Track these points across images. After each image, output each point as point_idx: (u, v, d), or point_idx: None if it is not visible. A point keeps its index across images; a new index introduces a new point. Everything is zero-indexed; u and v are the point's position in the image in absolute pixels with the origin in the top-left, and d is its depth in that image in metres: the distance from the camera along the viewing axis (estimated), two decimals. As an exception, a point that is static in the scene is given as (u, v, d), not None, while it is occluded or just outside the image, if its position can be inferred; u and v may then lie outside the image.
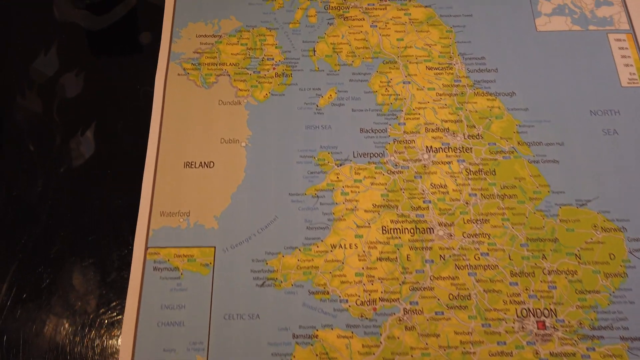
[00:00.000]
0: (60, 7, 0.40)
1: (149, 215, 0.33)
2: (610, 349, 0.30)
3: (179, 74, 0.37)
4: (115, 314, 0.31)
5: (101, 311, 0.31)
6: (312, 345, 0.30)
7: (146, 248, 0.32)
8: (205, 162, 0.35)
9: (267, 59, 0.38)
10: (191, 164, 0.34)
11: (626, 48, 0.38)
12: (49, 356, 0.30)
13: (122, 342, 0.30)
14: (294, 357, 0.30)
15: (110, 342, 0.30)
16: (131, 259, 0.32)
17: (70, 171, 0.34)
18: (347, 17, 0.39)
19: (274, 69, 0.38)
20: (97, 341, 0.30)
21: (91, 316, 0.31)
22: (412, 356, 0.30)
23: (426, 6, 0.40)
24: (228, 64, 0.38)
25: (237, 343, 0.30)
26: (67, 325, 0.30)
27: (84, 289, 0.31)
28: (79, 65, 0.38)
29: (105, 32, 0.39)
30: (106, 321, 0.31)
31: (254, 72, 0.37)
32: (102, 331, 0.30)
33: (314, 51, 0.38)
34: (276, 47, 0.38)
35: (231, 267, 0.32)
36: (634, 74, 0.37)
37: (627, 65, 0.37)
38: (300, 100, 0.37)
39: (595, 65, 0.38)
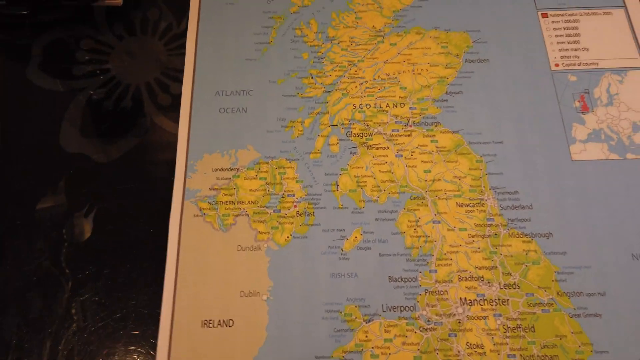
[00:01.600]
0: (67, 137, 0.40)
1: (165, 385, 0.32)
2: None
3: (195, 215, 0.37)
4: None
5: None
6: None
7: None
8: (224, 320, 0.34)
9: (288, 196, 0.38)
10: (209, 323, 0.34)
11: (668, 180, 0.38)
12: None
13: None
14: None
15: None
16: None
17: (79, 332, 0.34)
18: (370, 146, 0.39)
19: (295, 207, 0.37)
20: None
21: None
22: None
23: (454, 132, 0.40)
24: (246, 202, 0.37)
25: None
26: None
27: None
28: (89, 203, 0.38)
29: (116, 165, 0.39)
30: None
31: (274, 211, 0.37)
32: None
33: (337, 185, 0.38)
34: (297, 182, 0.38)
35: None
36: (678, 210, 0.37)
37: (669, 200, 0.37)
38: (324, 243, 0.36)
39: (636, 200, 0.37)
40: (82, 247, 0.36)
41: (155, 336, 0.33)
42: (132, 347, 0.34)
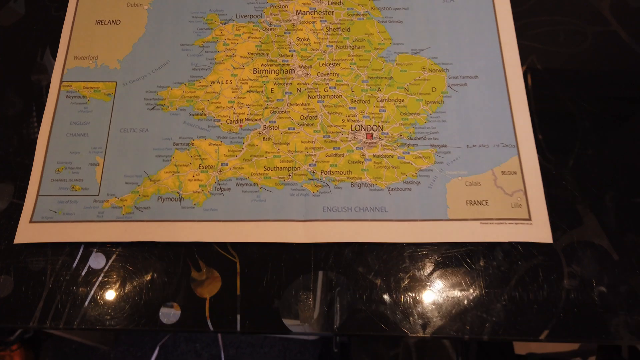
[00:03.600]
0: None
1: (64, 58, 0.43)
2: (421, 152, 0.40)
3: (95, -40, 0.48)
4: (35, 128, 0.41)
5: (23, 125, 0.41)
6: (188, 150, 0.41)
7: (61, 82, 0.43)
8: (113, 20, 0.45)
9: (172, -54, 0.48)
10: (102, 22, 0.45)
11: (472, -63, 0.49)
12: (-19, 158, 0.40)
13: (38, 145, 0.40)
14: (173, 158, 0.40)
15: (30, 146, 0.41)
16: (49, 90, 0.42)
17: (3, 29, 0.45)
18: None
19: (176, -48, 0.48)
20: (18, 144, 0.41)
21: (15, 129, 0.41)
22: (266, 158, 0.40)
23: None
24: (138, -51, 0.48)
25: (128, 148, 0.41)
26: (-4, 138, 0.41)
27: (11, 108, 0.42)
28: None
29: None
30: (27, 133, 0.41)
31: (159, -46, 0.48)
32: (23, 139, 0.41)
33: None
34: (180, -64, 0.49)
35: (128, 97, 0.42)
36: (475, -44, 0.48)
37: (470, -51, 0.48)
38: (198, -23, 0.47)
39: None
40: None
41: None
42: (43, 39, 0.45)
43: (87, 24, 0.45)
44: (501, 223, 0.38)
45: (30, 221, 0.38)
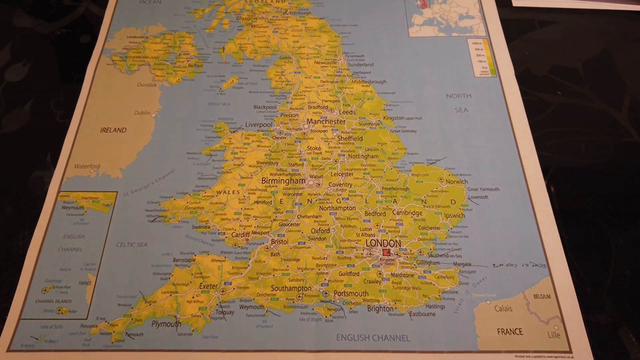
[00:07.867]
0: (19, 16, 0.51)
1: (65, 167, 0.41)
2: (444, 271, 0.36)
3: (107, 64, 0.47)
4: (26, 241, 0.38)
5: (14, 238, 0.38)
6: (189, 267, 0.37)
7: (59, 191, 0.40)
8: (119, 128, 0.43)
9: (184, 54, 0.48)
10: (107, 129, 0.43)
11: (482, 49, 0.48)
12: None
13: (26, 261, 0.36)
14: (172, 275, 0.36)
15: (18, 262, 0.37)
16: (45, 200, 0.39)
17: (3, 136, 0.43)
18: (254, 25, 0.50)
19: (187, 61, 0.48)
20: (6, 259, 0.37)
21: (4, 242, 0.38)
22: (274, 275, 0.36)
23: (320, 18, 0.51)
24: (150, 57, 0.48)
25: (124, 264, 0.37)
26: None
27: (2, 219, 0.39)
28: (27, 57, 0.48)
29: (54, 35, 0.50)
30: (17, 246, 0.37)
31: (171, 63, 0.47)
32: (11, 253, 0.37)
33: (224, 49, 0.48)
34: (192, 46, 0.49)
35: (129, 207, 0.39)
36: (486, 67, 0.47)
37: (480, 61, 0.48)
38: (207, 84, 0.46)
39: (455, 61, 0.48)
40: (18, 84, 0.46)
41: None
42: (45, 147, 0.42)
43: (92, 131, 0.43)
44: (539, 356, 0.33)
45: (8, 349, 0.34)
